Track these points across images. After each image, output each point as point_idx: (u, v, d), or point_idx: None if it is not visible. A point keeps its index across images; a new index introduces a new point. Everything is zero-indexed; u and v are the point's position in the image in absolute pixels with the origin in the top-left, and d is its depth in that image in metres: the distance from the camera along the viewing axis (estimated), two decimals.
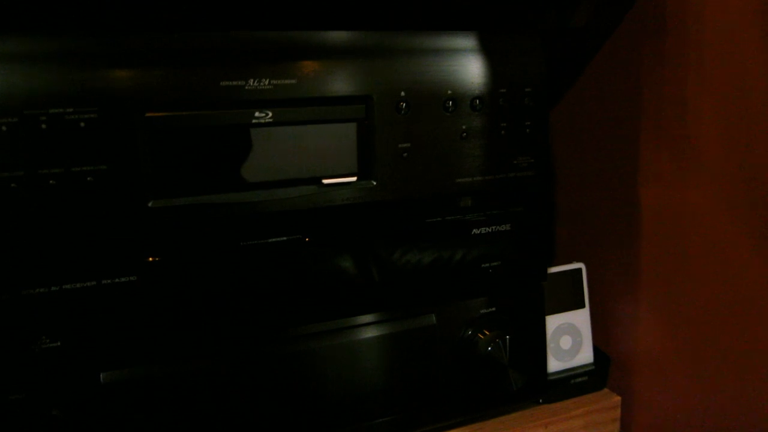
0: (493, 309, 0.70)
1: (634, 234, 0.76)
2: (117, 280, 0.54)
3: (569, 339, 0.80)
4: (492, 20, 0.70)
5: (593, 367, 0.81)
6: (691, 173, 0.68)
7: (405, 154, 0.62)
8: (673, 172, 0.70)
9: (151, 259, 0.55)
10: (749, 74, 0.60)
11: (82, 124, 0.51)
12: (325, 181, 0.60)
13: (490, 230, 0.67)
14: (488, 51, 0.64)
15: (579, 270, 0.81)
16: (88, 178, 0.52)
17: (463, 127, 0.64)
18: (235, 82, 0.55)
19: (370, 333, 0.65)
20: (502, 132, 0.65)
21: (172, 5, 0.55)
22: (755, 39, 0.59)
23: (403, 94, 0.61)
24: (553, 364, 0.79)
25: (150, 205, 0.54)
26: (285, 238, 0.59)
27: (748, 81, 0.61)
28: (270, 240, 0.59)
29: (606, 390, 0.81)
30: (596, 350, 0.82)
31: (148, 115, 0.53)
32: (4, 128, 0.49)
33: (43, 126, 0.50)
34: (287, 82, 0.56)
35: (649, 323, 0.75)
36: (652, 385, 0.76)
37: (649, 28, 0.70)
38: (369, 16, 0.62)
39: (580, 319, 0.81)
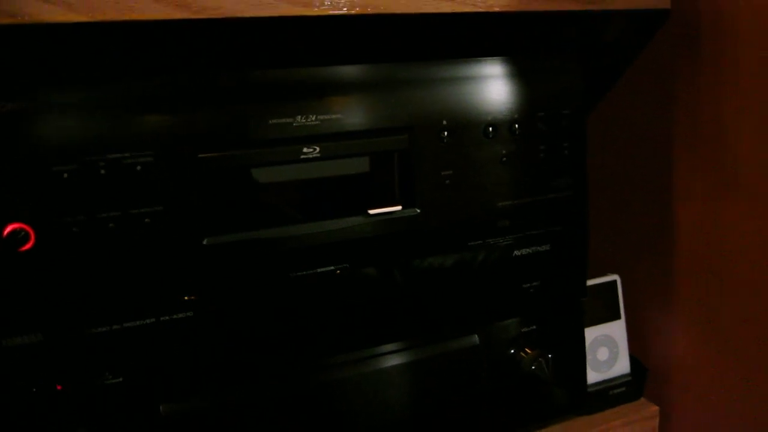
0: (534, 327, 0.71)
1: (669, 246, 0.76)
2: (174, 316, 0.55)
3: (606, 350, 0.81)
4: (525, 43, 0.71)
5: (630, 377, 0.82)
6: (728, 190, 0.68)
7: (447, 181, 0.63)
8: (708, 188, 0.70)
9: (206, 294, 0.56)
10: None
11: (139, 168, 0.52)
12: (371, 212, 0.61)
13: (530, 251, 0.68)
14: (525, 75, 0.65)
15: (614, 282, 0.82)
16: (146, 220, 0.53)
17: (503, 151, 0.64)
18: (283, 120, 0.56)
19: (415, 356, 0.66)
20: (541, 155, 0.66)
21: (216, 48, 0.56)
22: None
23: (444, 122, 0.61)
24: (591, 376, 0.80)
25: (204, 242, 0.55)
26: (332, 268, 0.61)
27: None
28: (318, 270, 0.60)
29: (643, 400, 0.82)
30: (633, 360, 0.83)
31: (200, 155, 0.54)
32: (65, 175, 0.50)
33: (102, 171, 0.51)
34: (333, 116, 0.58)
35: (685, 334, 0.76)
36: (689, 396, 0.77)
37: (684, 43, 0.70)
38: (407, 49, 0.62)
39: (617, 330, 0.82)
